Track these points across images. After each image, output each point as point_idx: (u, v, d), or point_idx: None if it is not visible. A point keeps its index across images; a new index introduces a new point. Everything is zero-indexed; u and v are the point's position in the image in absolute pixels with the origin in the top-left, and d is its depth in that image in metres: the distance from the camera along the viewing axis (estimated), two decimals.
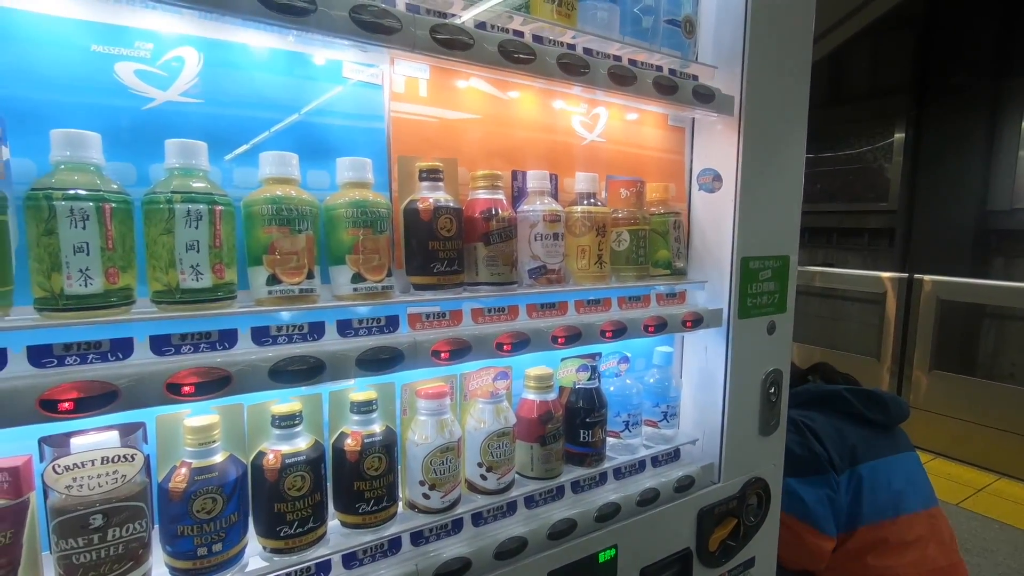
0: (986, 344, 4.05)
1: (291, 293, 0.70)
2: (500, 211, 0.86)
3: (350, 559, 0.78)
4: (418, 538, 0.83)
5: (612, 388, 1.05)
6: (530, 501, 0.93)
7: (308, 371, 0.69)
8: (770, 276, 1.17)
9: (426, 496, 0.82)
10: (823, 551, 1.61)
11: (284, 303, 0.69)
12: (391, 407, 0.84)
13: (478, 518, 0.88)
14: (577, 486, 0.99)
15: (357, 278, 0.75)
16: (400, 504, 0.85)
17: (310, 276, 0.71)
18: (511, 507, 0.92)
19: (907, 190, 5.13)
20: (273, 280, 0.69)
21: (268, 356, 0.67)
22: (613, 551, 0.98)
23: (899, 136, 5.20)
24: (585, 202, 0.97)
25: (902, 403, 1.79)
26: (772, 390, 1.19)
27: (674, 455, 1.13)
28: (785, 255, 1.20)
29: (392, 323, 0.79)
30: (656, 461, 1.10)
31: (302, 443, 0.74)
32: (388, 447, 0.79)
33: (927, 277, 4.04)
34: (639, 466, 1.07)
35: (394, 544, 0.81)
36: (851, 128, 5.52)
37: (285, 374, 0.67)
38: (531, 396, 0.94)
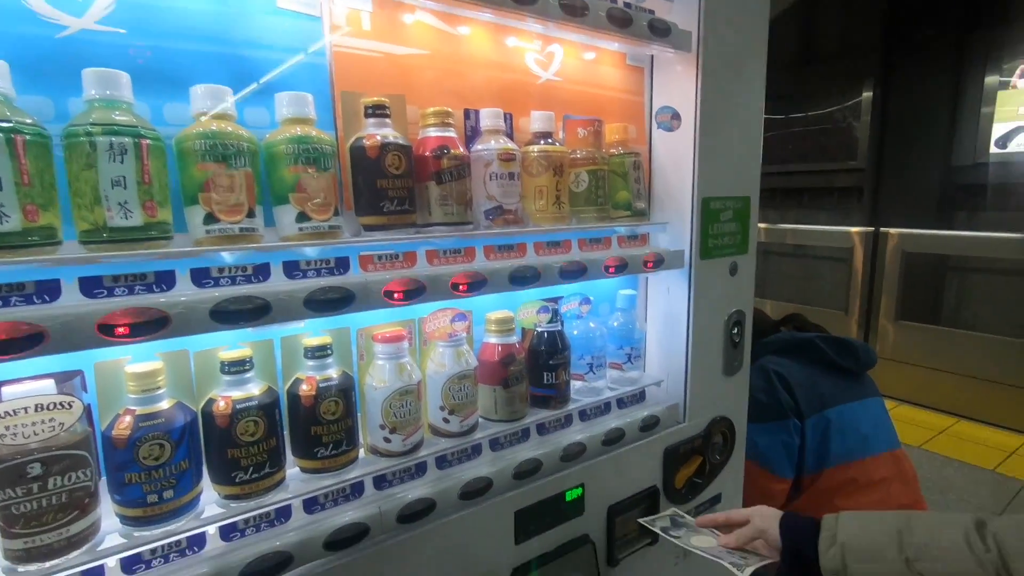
0: (948, 294, 4.17)
1: (231, 232, 0.67)
2: (452, 149, 0.83)
3: (311, 504, 0.77)
4: (381, 482, 0.82)
5: (576, 332, 1.05)
6: (495, 443, 0.94)
7: (253, 311, 0.67)
8: (731, 217, 1.17)
9: (387, 440, 0.82)
10: (775, 491, 1.67)
11: (223, 243, 0.67)
12: (347, 352, 0.82)
13: (442, 461, 0.88)
14: (542, 428, 0.99)
15: (302, 217, 0.72)
16: (362, 450, 0.84)
17: (251, 215, 0.69)
18: (476, 449, 0.92)
19: (875, 148, 5.19)
20: (211, 219, 0.66)
21: (210, 297, 0.65)
22: (580, 490, 0.99)
23: (867, 95, 5.23)
24: (542, 141, 0.95)
25: (870, 350, 1.84)
26: (735, 331, 1.21)
27: (639, 396, 1.14)
28: (746, 196, 1.20)
29: (342, 265, 0.76)
30: (621, 403, 1.11)
31: (254, 389, 0.72)
32: (345, 391, 0.78)
33: (893, 230, 4.13)
34: (604, 408, 1.08)
35: (356, 488, 0.81)
36: (821, 88, 5.52)
37: (228, 314, 0.65)
38: (493, 339, 0.94)
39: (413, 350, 0.87)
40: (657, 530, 1.00)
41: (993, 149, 4.18)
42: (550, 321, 0.97)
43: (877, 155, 5.18)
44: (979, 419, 3.78)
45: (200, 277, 0.67)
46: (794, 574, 0.87)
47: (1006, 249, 3.72)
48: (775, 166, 5.46)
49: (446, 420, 0.87)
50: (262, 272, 0.71)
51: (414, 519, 0.80)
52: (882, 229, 4.18)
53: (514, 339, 0.94)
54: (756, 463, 1.67)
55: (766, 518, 0.91)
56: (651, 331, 1.20)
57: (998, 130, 4.18)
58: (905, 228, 4.08)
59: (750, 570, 0.86)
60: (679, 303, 1.15)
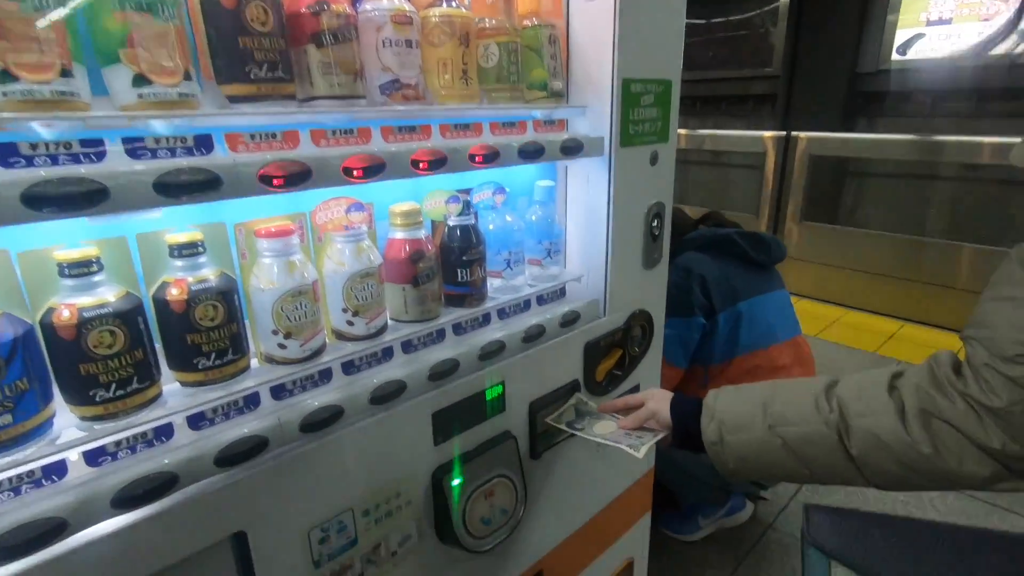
0: (847, 196, 4.45)
1: (37, 96, 0.53)
2: (333, 4, 0.70)
3: (197, 420, 0.69)
4: (280, 391, 0.75)
5: (491, 226, 0.98)
6: (408, 346, 0.88)
7: (86, 196, 0.54)
8: (652, 102, 1.10)
9: (282, 346, 0.73)
10: (668, 376, 1.78)
11: (28, 108, 0.52)
12: (225, 251, 0.71)
13: (349, 366, 0.81)
14: (459, 328, 0.94)
15: (140, 81, 0.58)
16: (256, 359, 0.76)
17: (65, 74, 0.54)
18: (387, 353, 0.85)
19: (789, 55, 5.25)
20: (5, 78, 0.51)
21: (28, 178, 0.52)
22: (500, 388, 0.96)
23: (784, 0, 5.21)
24: (443, 4, 0.83)
25: (781, 245, 1.92)
26: (655, 223, 1.18)
27: (560, 293, 1.11)
28: (668, 79, 1.13)
29: (204, 144, 0.64)
30: (541, 299, 1.07)
31: (108, 295, 0.61)
32: (225, 294, 0.68)
33: (802, 134, 4.27)
34: (524, 305, 1.04)
35: (251, 400, 0.73)
36: None
37: (52, 200, 0.52)
38: (399, 234, 0.85)
39: (306, 247, 0.77)
40: (563, 427, 1.01)
41: (895, 56, 4.32)
42: (461, 213, 0.89)
43: (791, 61, 5.25)
44: (866, 309, 4.18)
45: (6, 156, 0.53)
46: (683, 447, 0.92)
47: (900, 151, 3.96)
48: (697, 72, 5.44)
49: (350, 323, 0.80)
50: (93, 149, 0.57)
51: (320, 427, 0.74)
52: (793, 133, 4.31)
53: (422, 233, 0.86)
54: None
55: (658, 400, 0.96)
56: (570, 226, 1.16)
57: (900, 37, 4.30)
58: (813, 132, 4.23)
59: (645, 448, 0.90)
60: (599, 195, 1.10)
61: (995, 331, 0.66)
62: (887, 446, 0.72)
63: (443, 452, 0.91)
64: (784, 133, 4.32)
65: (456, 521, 0.90)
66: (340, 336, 0.81)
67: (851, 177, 4.39)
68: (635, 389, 1.27)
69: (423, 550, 0.91)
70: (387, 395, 0.81)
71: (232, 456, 0.67)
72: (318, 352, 0.77)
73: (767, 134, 4.43)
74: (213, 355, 0.68)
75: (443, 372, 0.87)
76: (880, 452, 0.73)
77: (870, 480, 0.76)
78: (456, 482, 0.91)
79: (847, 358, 3.46)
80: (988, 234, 3.77)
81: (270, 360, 0.74)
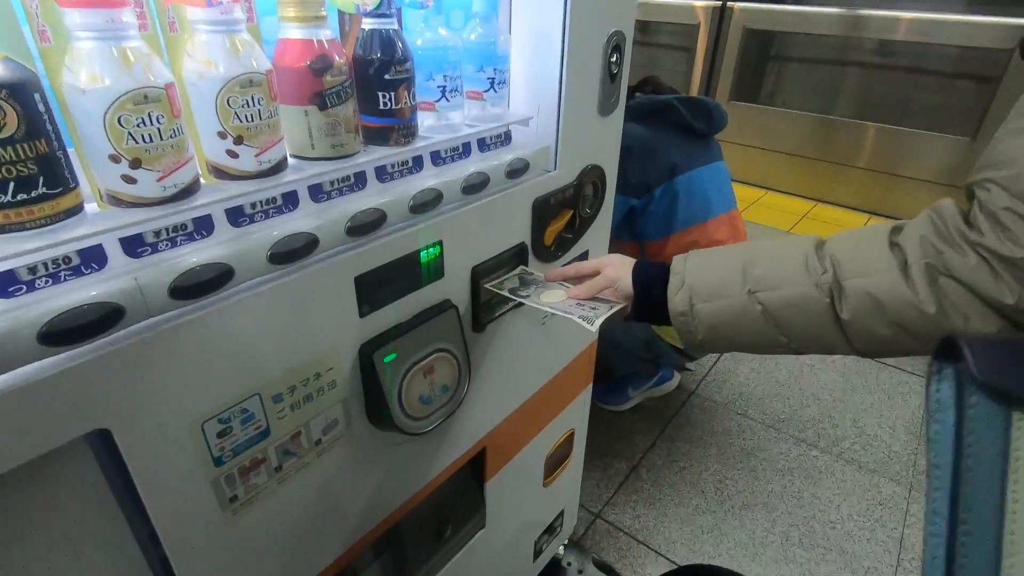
0: (771, 75, 4.39)
1: None
2: None
3: (7, 283, 0.47)
4: (137, 245, 0.54)
5: (420, 41, 0.76)
6: (317, 192, 0.68)
7: None
8: None
9: (129, 180, 0.51)
10: None
11: None
12: (13, 33, 0.46)
13: (237, 215, 0.61)
14: (383, 173, 0.74)
15: None
16: (95, 200, 0.54)
17: None
18: (290, 200, 0.65)
19: None
20: None
21: None
22: (437, 248, 0.80)
23: None
24: None
25: (723, 111, 1.79)
26: (614, 58, 1.00)
27: (504, 138, 0.92)
28: None
29: None
30: (483, 144, 0.88)
31: None
32: (17, 93, 0.44)
33: (737, 4, 4.07)
34: (463, 150, 0.85)
35: (93, 257, 0.52)
36: None
37: None
38: (294, 32, 0.61)
39: (150, 36, 0.53)
40: (505, 293, 0.88)
41: None
42: (378, 8, 0.66)
43: None
44: (783, 190, 4.31)
45: None
46: (643, 319, 0.82)
47: (828, 24, 3.88)
48: None
49: (232, 154, 0.58)
50: None
51: (199, 291, 0.55)
52: (728, 4, 4.09)
53: (327, 34, 0.63)
54: None
55: (617, 267, 0.85)
56: (517, 60, 0.94)
57: None
58: (749, 2, 4.03)
59: (600, 321, 0.79)
60: (552, 15, 0.88)
61: (1022, 167, 0.57)
62: (884, 307, 0.64)
63: (372, 324, 0.75)
64: (719, 3, 4.09)
65: (391, 402, 0.77)
66: (220, 173, 0.59)
67: (776, 56, 4.31)
68: (584, 256, 1.15)
69: (352, 436, 0.78)
70: (292, 252, 0.62)
71: (65, 332, 0.47)
72: (188, 192, 0.55)
73: (699, 3, 4.19)
74: (14, 187, 0.45)
75: (365, 225, 0.69)
76: (875, 314, 0.65)
77: (855, 346, 0.69)
78: (389, 358, 0.76)
79: (761, 236, 3.57)
80: (892, 115, 3.89)
81: (114, 200, 0.52)
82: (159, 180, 0.52)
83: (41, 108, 0.45)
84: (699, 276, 0.77)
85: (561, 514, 1.51)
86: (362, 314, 0.73)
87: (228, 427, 0.62)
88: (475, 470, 1.11)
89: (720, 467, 2.01)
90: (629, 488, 1.93)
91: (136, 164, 0.51)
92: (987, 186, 0.60)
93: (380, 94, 0.69)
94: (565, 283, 0.92)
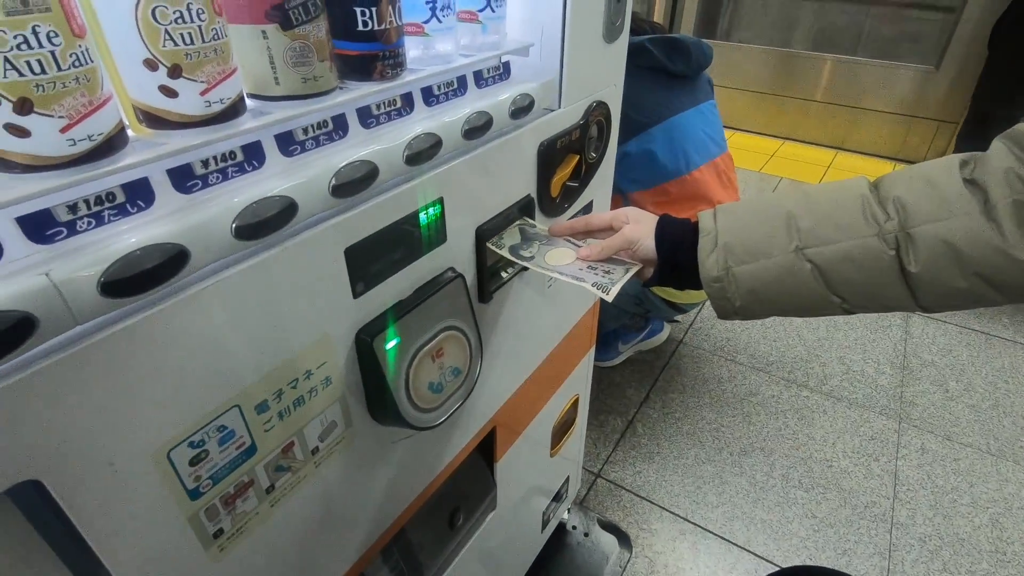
0: (730, 10, 4.24)
1: None
2: None
3: None
4: (45, 226, 0.38)
5: None
6: (288, 141, 0.52)
7: None
8: None
9: (19, 131, 0.35)
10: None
11: None
12: None
13: (184, 177, 0.45)
14: (367, 115, 0.59)
15: None
16: None
17: None
18: (253, 154, 0.50)
19: None
20: None
21: None
22: (439, 207, 0.66)
23: None
24: None
25: (703, 48, 1.64)
26: None
27: (503, 72, 0.77)
28: None
29: None
30: (481, 78, 0.73)
31: None
32: None
33: None
34: (459, 85, 0.70)
35: None
36: None
37: None
38: None
39: None
40: (506, 253, 0.75)
41: None
42: None
43: None
44: (750, 130, 4.24)
45: None
46: (666, 283, 0.72)
47: None
48: None
49: (168, 91, 0.42)
50: None
51: (142, 286, 0.40)
52: None
53: None
54: None
55: (636, 226, 0.73)
56: None
57: None
58: None
59: (616, 288, 0.68)
60: None
61: None
62: (963, 256, 0.55)
63: (368, 304, 0.61)
64: None
65: (397, 394, 0.64)
66: (155, 120, 0.43)
67: None
68: (588, 208, 1.03)
69: (354, 437, 0.66)
70: (263, 222, 0.47)
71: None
72: (110, 148, 0.40)
73: None
74: None
75: (354, 182, 0.54)
76: (951, 265, 0.56)
77: (921, 303, 0.60)
78: (391, 344, 0.63)
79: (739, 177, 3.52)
80: (846, 45, 3.84)
81: (2, 163, 0.37)
82: (63, 130, 0.36)
83: None
84: (736, 234, 0.66)
85: (567, 480, 1.44)
86: (356, 294, 0.59)
87: (202, 451, 0.49)
88: (484, 451, 1.00)
89: (715, 415, 1.99)
90: (627, 444, 1.88)
91: (25, 106, 0.35)
92: None
93: (358, 10, 0.53)
94: (572, 239, 0.79)
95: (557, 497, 1.42)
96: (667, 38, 1.57)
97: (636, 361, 2.19)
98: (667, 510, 1.69)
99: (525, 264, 0.74)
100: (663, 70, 1.59)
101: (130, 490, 0.44)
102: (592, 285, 0.69)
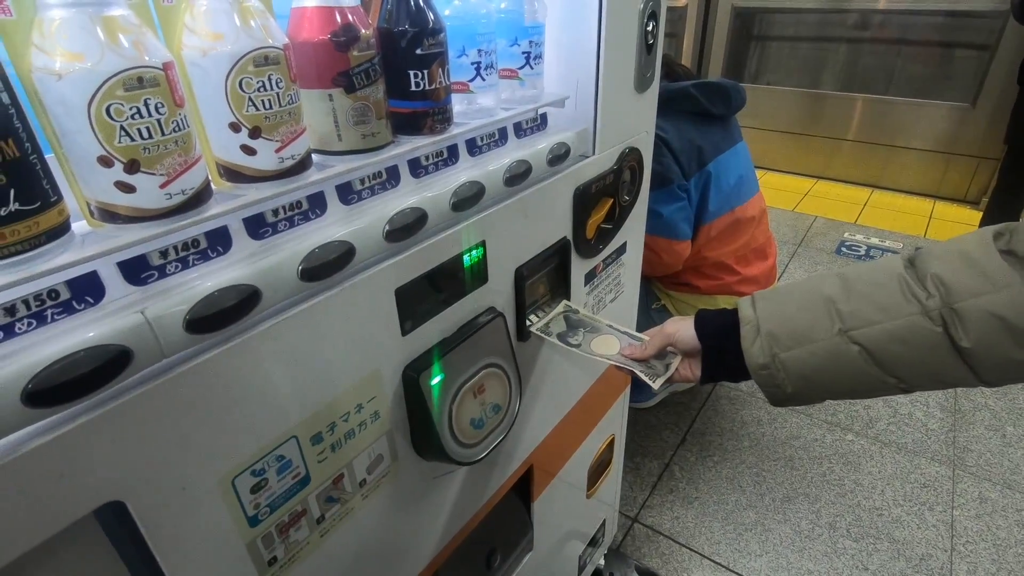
0: (761, 53, 4.31)
1: None
2: None
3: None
4: (140, 269, 0.43)
5: (448, 12, 0.66)
6: (347, 192, 0.57)
7: None
8: None
9: (125, 187, 0.41)
10: (681, 255, 1.63)
11: None
12: None
13: (258, 225, 0.50)
14: (417, 166, 0.64)
15: None
16: (84, 216, 0.43)
17: None
18: (316, 203, 0.55)
19: None
20: None
21: None
22: (481, 249, 0.70)
23: None
24: None
25: (740, 90, 1.69)
26: (650, 27, 0.90)
27: (541, 122, 0.82)
28: None
29: None
30: (520, 129, 0.78)
31: None
32: None
33: None
34: (500, 137, 0.75)
35: (86, 288, 0.41)
36: None
37: None
38: (311, 1, 0.51)
39: (141, 7, 0.42)
40: (554, 339, 0.80)
41: None
42: None
43: None
44: (781, 169, 4.24)
45: None
46: (717, 377, 0.74)
47: None
48: None
49: (248, 149, 0.47)
50: None
51: (221, 322, 0.45)
52: None
53: (349, 1, 0.52)
54: (659, 236, 1.57)
55: (677, 323, 0.76)
56: (548, 31, 0.84)
57: None
58: None
59: (662, 379, 0.73)
60: None
61: None
62: (1014, 328, 0.54)
63: (414, 342, 0.65)
64: None
65: (441, 429, 0.67)
66: (234, 175, 0.49)
67: (760, 36, 4.24)
68: (622, 249, 1.06)
69: (399, 472, 0.68)
70: (326, 265, 0.52)
71: (57, 389, 0.36)
72: (198, 200, 0.45)
73: None
74: None
75: (406, 228, 0.58)
76: (1005, 339, 0.55)
77: (983, 377, 0.59)
78: (436, 380, 0.66)
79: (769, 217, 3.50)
80: (879, 85, 3.84)
81: (108, 214, 0.42)
82: (163, 186, 0.42)
83: (5, 100, 0.35)
84: (777, 321, 0.66)
85: (603, 524, 1.42)
86: (404, 332, 0.63)
87: (263, 479, 0.52)
88: (521, 491, 1.01)
89: (755, 459, 1.93)
90: (664, 488, 1.84)
91: (134, 167, 0.40)
92: None
93: (412, 72, 0.59)
94: (613, 325, 0.84)
95: (593, 542, 1.39)
96: (709, 83, 1.62)
97: (672, 403, 2.16)
98: (707, 558, 1.63)
99: (573, 349, 0.79)
100: (705, 113, 1.63)
101: (198, 515, 0.47)
102: (641, 371, 0.74)
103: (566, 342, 0.80)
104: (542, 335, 0.81)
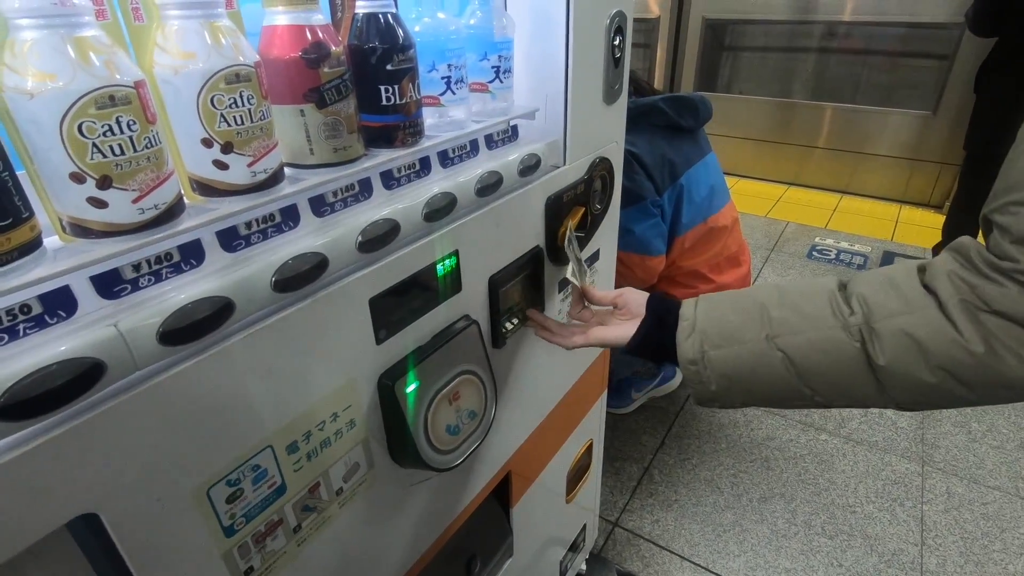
0: (731, 63, 4.42)
1: None
2: None
3: None
4: (112, 283, 0.44)
5: (418, 28, 0.67)
6: (320, 204, 0.58)
7: None
8: None
9: (97, 203, 0.41)
10: (655, 270, 1.66)
11: None
12: None
13: (231, 237, 0.51)
14: (390, 178, 0.65)
15: None
16: (56, 232, 0.43)
17: None
18: (289, 216, 0.56)
19: None
20: None
21: None
22: (454, 259, 0.71)
23: None
24: None
25: (707, 103, 1.74)
26: (617, 41, 0.93)
27: (512, 134, 0.84)
28: None
29: None
30: (491, 141, 0.80)
31: None
32: None
33: None
34: (471, 148, 0.76)
35: (58, 302, 0.41)
36: None
37: None
38: (281, 19, 0.52)
39: (110, 24, 0.43)
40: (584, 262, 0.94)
41: None
42: None
43: None
44: (753, 176, 4.34)
45: None
46: (643, 353, 0.76)
47: (782, 10, 3.93)
48: None
49: (221, 164, 0.49)
50: None
51: (195, 334, 0.45)
52: None
53: (319, 19, 0.54)
54: (632, 252, 1.60)
55: (634, 291, 0.81)
56: (517, 46, 0.87)
57: None
58: None
59: (571, 273, 0.84)
60: None
61: None
62: (926, 350, 0.57)
63: (389, 351, 0.66)
64: None
65: (417, 436, 0.68)
66: (207, 189, 0.50)
67: (731, 47, 4.35)
68: (595, 256, 1.08)
69: (375, 480, 0.69)
70: (299, 276, 0.53)
71: (30, 402, 0.37)
72: (170, 214, 0.45)
73: None
74: None
75: (378, 238, 0.60)
76: (916, 359, 0.58)
77: (893, 398, 0.61)
78: (411, 388, 0.67)
79: (741, 223, 3.57)
80: (846, 94, 3.97)
81: (80, 229, 0.42)
82: (135, 201, 0.42)
83: None
84: (712, 321, 0.69)
85: (583, 529, 1.43)
86: (379, 340, 0.64)
87: (238, 489, 0.52)
88: (500, 497, 1.02)
89: (732, 460, 1.97)
90: (643, 492, 1.86)
91: (105, 183, 0.41)
92: (1012, 210, 0.54)
93: (383, 87, 0.60)
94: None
95: (574, 547, 1.41)
96: (678, 97, 1.67)
97: (650, 408, 2.19)
98: (687, 560, 1.65)
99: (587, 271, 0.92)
100: (675, 127, 1.67)
101: (173, 526, 0.48)
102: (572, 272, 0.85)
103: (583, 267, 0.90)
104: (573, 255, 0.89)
